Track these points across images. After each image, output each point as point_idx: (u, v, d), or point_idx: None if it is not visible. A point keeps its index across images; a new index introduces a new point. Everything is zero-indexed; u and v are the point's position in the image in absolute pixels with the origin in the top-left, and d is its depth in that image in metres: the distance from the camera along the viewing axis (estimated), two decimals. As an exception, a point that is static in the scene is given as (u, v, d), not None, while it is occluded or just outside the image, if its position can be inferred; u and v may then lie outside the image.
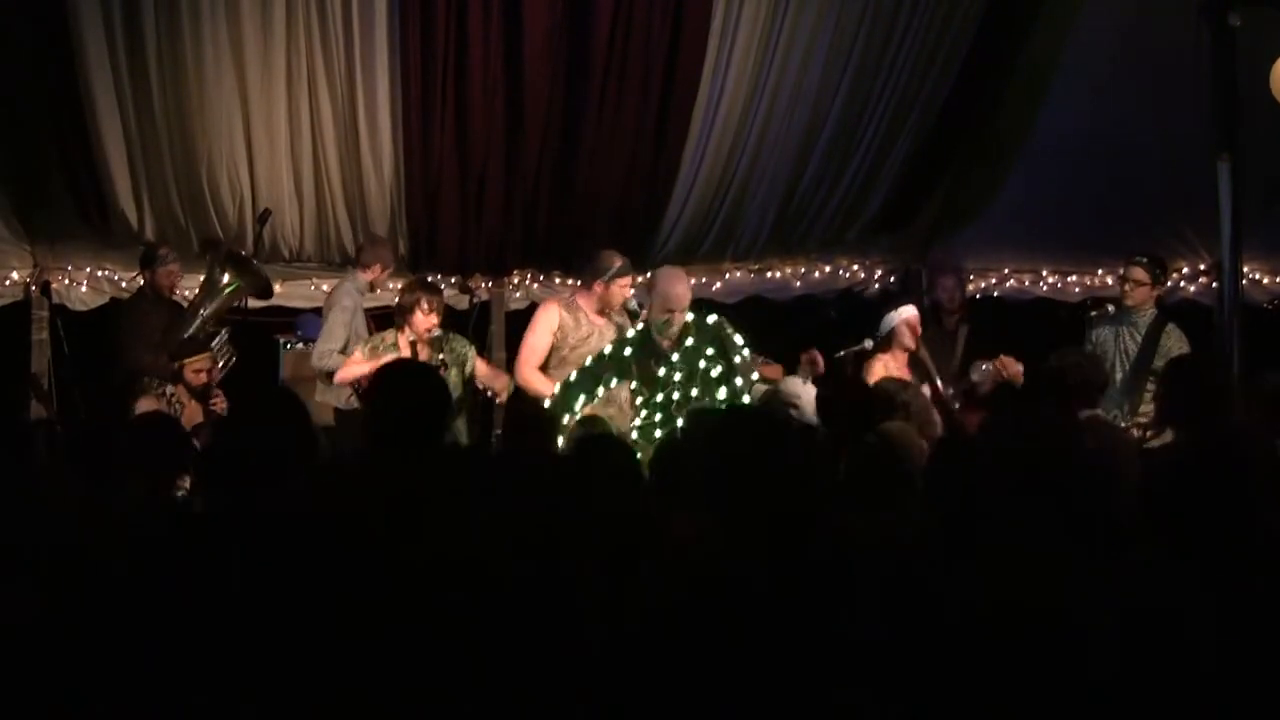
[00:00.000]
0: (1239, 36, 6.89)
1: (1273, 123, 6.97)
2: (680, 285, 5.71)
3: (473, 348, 6.68)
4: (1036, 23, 7.65)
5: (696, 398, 5.52)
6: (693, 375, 5.58)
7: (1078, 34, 7.58)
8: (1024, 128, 8.04)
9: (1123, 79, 7.56)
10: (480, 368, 6.66)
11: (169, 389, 6.60)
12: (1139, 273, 6.68)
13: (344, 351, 6.81)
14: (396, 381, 3.61)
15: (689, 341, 5.61)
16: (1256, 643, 2.40)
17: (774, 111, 7.84)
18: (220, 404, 6.42)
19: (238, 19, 7.06)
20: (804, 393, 5.08)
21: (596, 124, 7.65)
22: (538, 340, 6.24)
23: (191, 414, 6.44)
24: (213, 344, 6.95)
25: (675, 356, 5.59)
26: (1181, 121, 7.47)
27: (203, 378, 6.48)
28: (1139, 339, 6.61)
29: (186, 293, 7.50)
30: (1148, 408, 6.24)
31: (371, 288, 7.41)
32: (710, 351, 5.60)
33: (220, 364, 7.04)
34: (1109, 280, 8.27)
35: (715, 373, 5.57)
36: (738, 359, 5.60)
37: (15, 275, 7.98)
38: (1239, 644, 2.37)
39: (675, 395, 5.58)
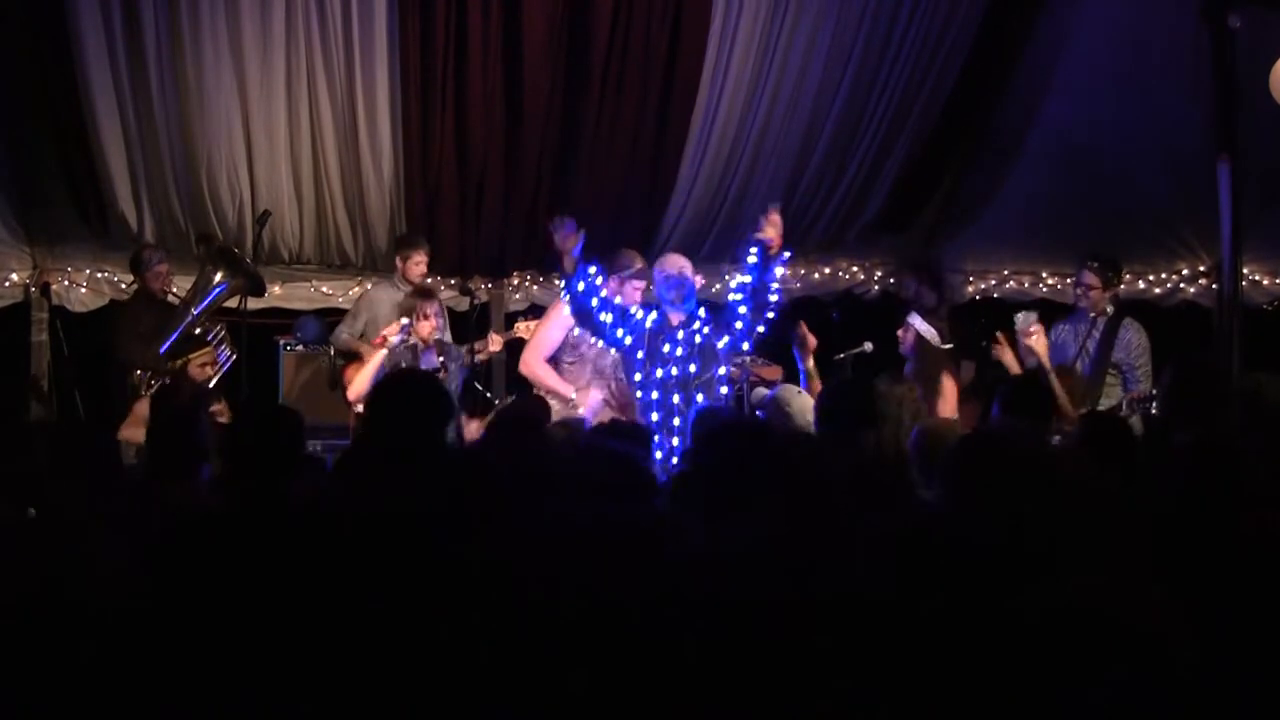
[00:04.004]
0: (1239, 37, 6.90)
1: (1273, 123, 6.98)
2: (677, 256, 6.20)
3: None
4: (1036, 24, 7.66)
5: (697, 374, 5.88)
6: (695, 352, 5.90)
7: (1077, 35, 7.59)
8: (1023, 129, 8.05)
9: (1123, 79, 7.57)
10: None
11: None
12: (1091, 278, 6.76)
13: (361, 336, 7.32)
14: (397, 390, 3.62)
15: (695, 325, 5.95)
16: (1247, 647, 2.40)
17: (773, 113, 7.84)
18: (222, 411, 6.41)
19: (237, 21, 7.06)
20: (795, 400, 5.11)
21: (596, 126, 7.66)
22: (550, 334, 6.45)
23: None
24: (209, 339, 6.96)
25: (681, 335, 5.92)
26: (1181, 122, 7.48)
27: (207, 371, 6.53)
28: (1097, 336, 6.69)
29: (177, 289, 7.52)
30: (1110, 401, 6.36)
31: (410, 281, 7.38)
32: (708, 330, 5.96)
33: (220, 361, 7.07)
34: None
35: (719, 344, 5.95)
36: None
37: (15, 277, 7.98)
38: (1230, 648, 2.37)
39: (675, 371, 5.89)
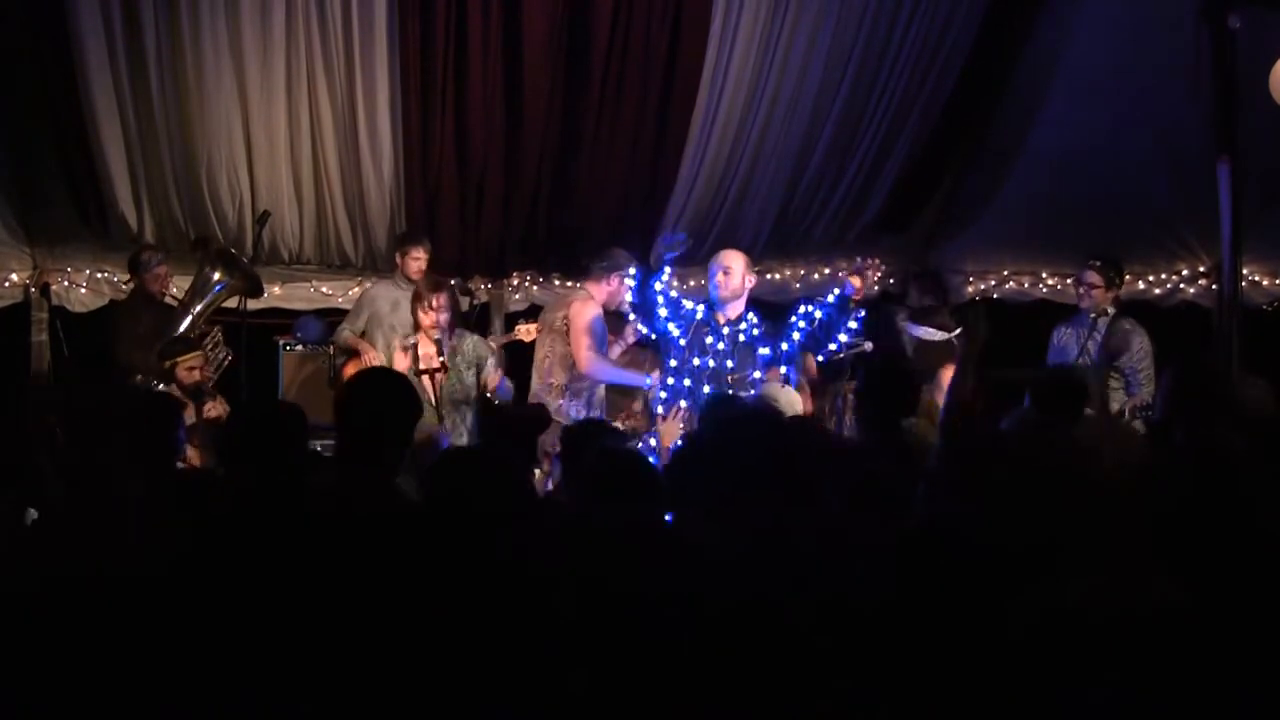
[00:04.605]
0: (1239, 37, 6.90)
1: (1273, 124, 6.97)
2: (729, 252, 6.21)
3: (494, 356, 6.67)
4: (1036, 25, 7.65)
5: (732, 370, 5.90)
6: (735, 350, 5.94)
7: (1077, 36, 7.58)
8: (1023, 129, 8.05)
9: (1123, 81, 7.57)
10: (493, 379, 6.66)
11: (162, 389, 6.60)
12: (1094, 276, 6.76)
13: (363, 334, 7.30)
14: (365, 390, 3.63)
15: (742, 325, 5.99)
16: (1253, 646, 2.40)
17: (773, 114, 7.84)
18: (216, 410, 6.39)
19: (237, 21, 7.06)
20: (781, 395, 5.12)
21: (596, 126, 7.65)
22: (595, 327, 6.36)
23: (186, 416, 6.42)
24: (205, 342, 6.96)
25: (725, 330, 5.95)
26: (1181, 122, 7.47)
27: (195, 375, 6.49)
28: (1099, 339, 6.69)
29: (175, 291, 7.51)
30: (1113, 402, 6.37)
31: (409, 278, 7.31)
32: (756, 333, 6.00)
33: (216, 363, 7.06)
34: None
35: (761, 349, 5.96)
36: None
37: (15, 277, 7.98)
38: (1235, 648, 2.37)
39: (712, 363, 5.92)
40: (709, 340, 5.94)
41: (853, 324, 5.99)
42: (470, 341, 6.46)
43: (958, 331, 6.77)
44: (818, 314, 5.99)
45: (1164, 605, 2.34)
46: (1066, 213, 8.11)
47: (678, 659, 2.27)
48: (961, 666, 2.32)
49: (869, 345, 6.84)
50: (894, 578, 2.55)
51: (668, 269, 6.11)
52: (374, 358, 6.87)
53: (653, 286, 6.03)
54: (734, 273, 6.03)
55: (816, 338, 5.99)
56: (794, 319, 6.04)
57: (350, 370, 7.11)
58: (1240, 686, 2.27)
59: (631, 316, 6.48)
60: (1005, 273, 8.87)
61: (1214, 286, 8.34)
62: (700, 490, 3.38)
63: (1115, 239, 7.69)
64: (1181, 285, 8.59)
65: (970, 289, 8.87)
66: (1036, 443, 3.08)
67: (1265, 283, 8.58)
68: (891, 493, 3.52)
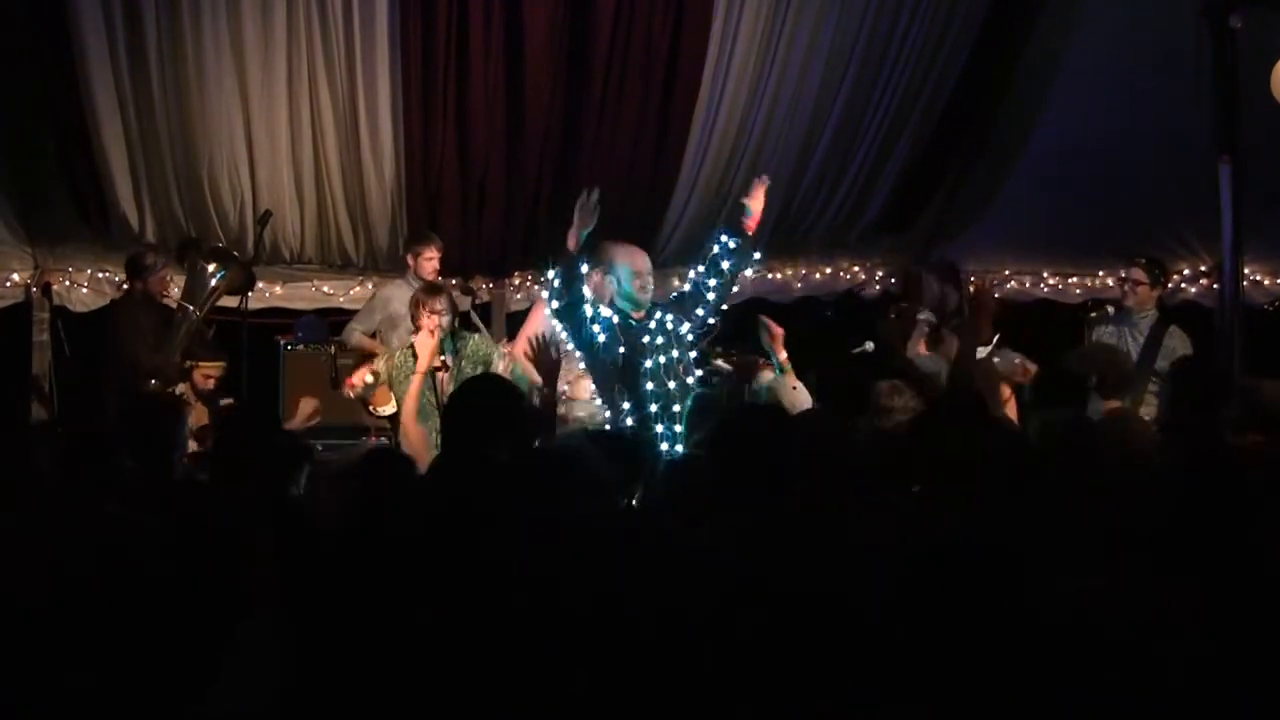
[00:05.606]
0: (1239, 37, 6.90)
1: (1273, 124, 6.98)
2: (640, 253, 5.83)
3: (498, 350, 6.64)
4: (1037, 25, 7.66)
5: (678, 359, 5.62)
6: (668, 339, 5.64)
7: (1078, 35, 7.59)
8: (1024, 129, 8.05)
9: (1123, 80, 7.57)
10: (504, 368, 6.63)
11: (177, 389, 6.61)
12: (1139, 273, 6.73)
13: (375, 335, 7.20)
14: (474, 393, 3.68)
15: (658, 315, 5.69)
16: (1250, 651, 2.40)
17: (775, 113, 7.84)
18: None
19: (238, 20, 7.07)
20: (786, 395, 5.08)
21: (597, 125, 7.66)
22: (535, 329, 6.29)
23: (198, 416, 6.44)
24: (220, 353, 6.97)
25: (652, 324, 5.64)
26: (1181, 122, 7.47)
27: (210, 384, 6.53)
28: (1140, 340, 6.65)
29: (175, 290, 7.50)
30: (1149, 408, 6.29)
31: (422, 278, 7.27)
32: (670, 316, 5.69)
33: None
34: (1109, 282, 8.28)
35: (684, 329, 5.68)
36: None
37: (16, 277, 7.97)
38: (1232, 651, 2.37)
39: (662, 359, 5.60)
40: (646, 340, 5.59)
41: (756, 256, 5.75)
42: (473, 342, 6.43)
43: (993, 345, 6.53)
44: (724, 264, 5.68)
45: (1164, 605, 2.34)
46: (1067, 212, 8.12)
47: (677, 660, 2.27)
48: (961, 666, 2.32)
49: (870, 345, 6.82)
50: (894, 577, 2.55)
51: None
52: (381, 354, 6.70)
53: (578, 297, 5.60)
54: (652, 274, 5.78)
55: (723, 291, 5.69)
56: (694, 288, 5.76)
57: (358, 374, 6.96)
58: (1241, 687, 2.27)
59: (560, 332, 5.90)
60: (1006, 272, 8.88)
61: (1215, 286, 8.33)
62: (704, 492, 3.39)
63: (1116, 238, 7.70)
64: (1183, 285, 8.58)
65: (971, 288, 8.87)
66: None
67: (1266, 282, 8.58)
68: (888, 492, 3.53)
